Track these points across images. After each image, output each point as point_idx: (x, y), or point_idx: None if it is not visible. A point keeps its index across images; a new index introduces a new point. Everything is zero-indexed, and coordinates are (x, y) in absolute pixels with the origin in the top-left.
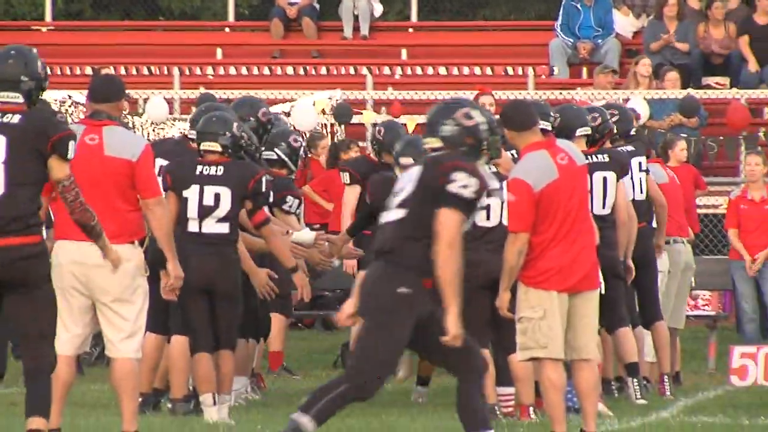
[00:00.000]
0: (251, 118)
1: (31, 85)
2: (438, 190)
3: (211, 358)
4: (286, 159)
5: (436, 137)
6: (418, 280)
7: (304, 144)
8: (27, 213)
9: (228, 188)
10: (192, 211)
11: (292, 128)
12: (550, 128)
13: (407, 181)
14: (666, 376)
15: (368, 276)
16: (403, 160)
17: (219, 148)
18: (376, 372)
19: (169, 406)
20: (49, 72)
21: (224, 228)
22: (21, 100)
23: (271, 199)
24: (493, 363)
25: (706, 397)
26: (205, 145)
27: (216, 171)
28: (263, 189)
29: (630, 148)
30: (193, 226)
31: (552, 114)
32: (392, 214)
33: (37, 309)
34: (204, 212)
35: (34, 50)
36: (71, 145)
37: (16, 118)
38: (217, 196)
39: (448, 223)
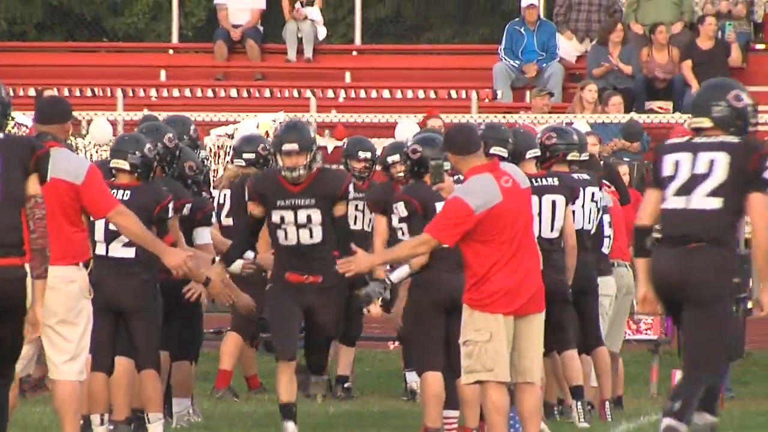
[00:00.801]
0: (185, 137)
1: None
2: (751, 175)
3: (105, 378)
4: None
5: (707, 117)
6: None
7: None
8: (20, 230)
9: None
10: (99, 234)
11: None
12: (506, 155)
13: (698, 167)
14: (607, 402)
15: (691, 263)
16: (362, 154)
17: (127, 167)
18: (724, 360)
19: (110, 427)
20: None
21: (130, 252)
22: None
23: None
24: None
25: (648, 421)
26: (114, 163)
27: (123, 195)
28: (169, 215)
29: (585, 176)
30: (100, 249)
31: (510, 140)
32: (698, 201)
33: (17, 332)
34: (110, 236)
35: None
36: (48, 165)
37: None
38: None
39: (762, 206)
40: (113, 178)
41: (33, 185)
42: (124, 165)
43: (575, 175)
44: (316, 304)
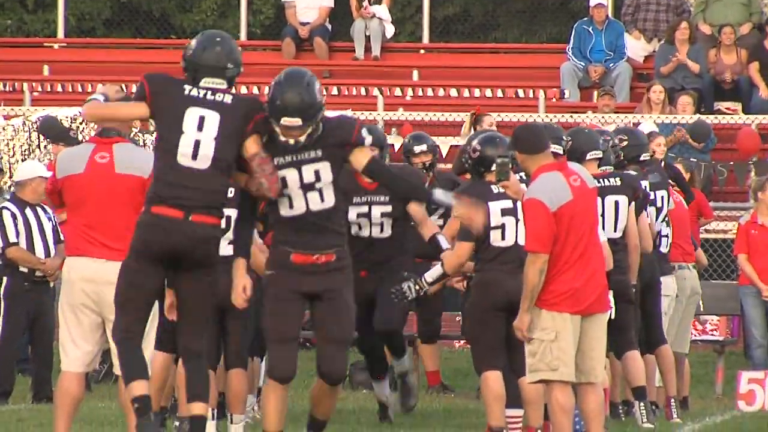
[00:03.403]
0: None
1: (234, 73)
2: None
3: (245, 376)
4: None
5: None
6: None
7: None
8: (224, 191)
9: None
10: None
11: None
12: (561, 152)
13: None
14: (673, 400)
15: None
16: (417, 148)
17: None
18: None
19: (176, 423)
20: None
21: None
22: (225, 86)
23: None
24: (505, 385)
25: (713, 421)
26: None
27: None
28: None
29: (655, 180)
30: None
31: (564, 138)
32: None
33: (203, 290)
34: None
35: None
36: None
37: (228, 98)
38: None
39: None
40: None
41: (253, 144)
42: None
43: (645, 180)
44: (329, 288)
